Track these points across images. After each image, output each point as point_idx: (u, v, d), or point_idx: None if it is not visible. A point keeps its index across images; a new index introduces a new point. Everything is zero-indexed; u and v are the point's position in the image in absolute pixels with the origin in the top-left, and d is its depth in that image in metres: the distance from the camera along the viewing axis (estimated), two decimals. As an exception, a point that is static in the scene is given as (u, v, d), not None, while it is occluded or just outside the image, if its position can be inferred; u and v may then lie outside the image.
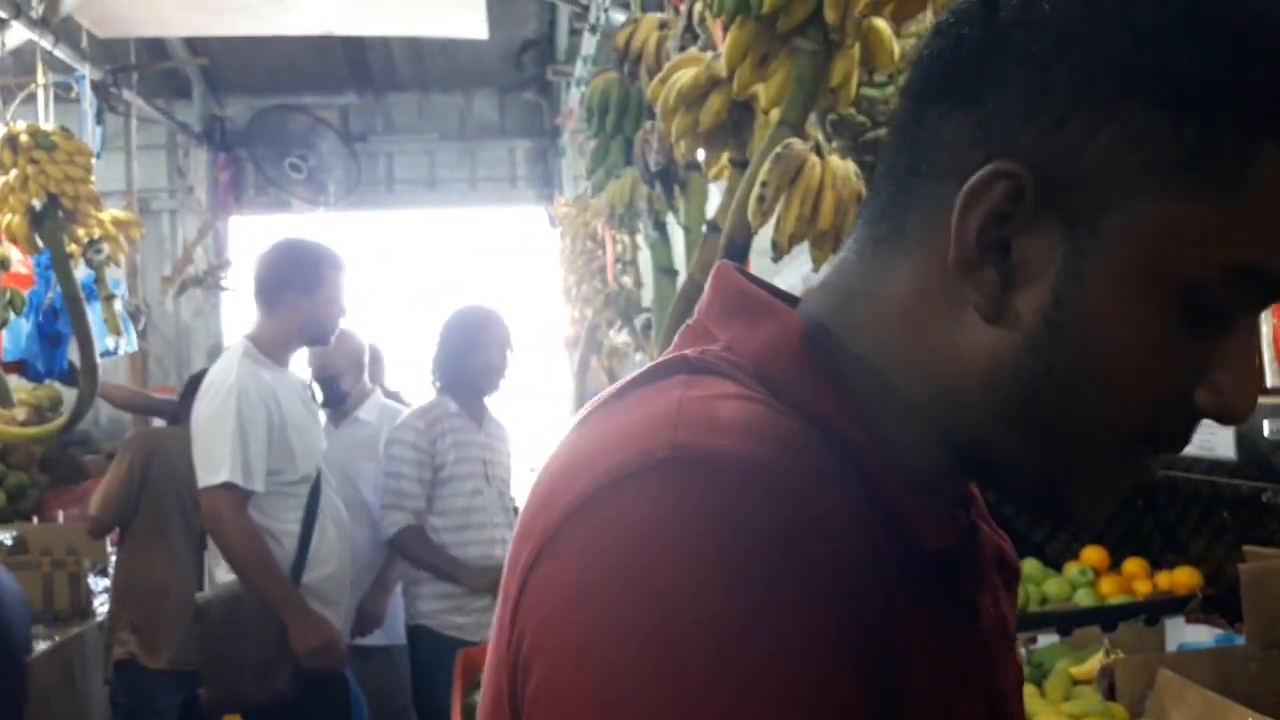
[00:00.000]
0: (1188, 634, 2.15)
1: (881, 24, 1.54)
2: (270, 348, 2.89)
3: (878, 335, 0.60)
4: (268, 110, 7.11)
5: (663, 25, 2.23)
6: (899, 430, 0.60)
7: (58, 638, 3.57)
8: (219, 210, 7.12)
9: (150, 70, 6.01)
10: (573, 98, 5.83)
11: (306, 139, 7.08)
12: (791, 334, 0.60)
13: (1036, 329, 0.56)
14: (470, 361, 3.35)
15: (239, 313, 7.18)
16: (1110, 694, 1.87)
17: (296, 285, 2.88)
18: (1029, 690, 1.88)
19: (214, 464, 2.71)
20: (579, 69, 5.23)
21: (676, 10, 2.15)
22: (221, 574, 2.80)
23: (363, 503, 3.38)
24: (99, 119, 4.82)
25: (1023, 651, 2.09)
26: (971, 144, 0.56)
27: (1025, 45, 0.55)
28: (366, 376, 3.85)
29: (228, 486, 2.69)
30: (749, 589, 0.49)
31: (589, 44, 4.63)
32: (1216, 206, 0.53)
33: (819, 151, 1.55)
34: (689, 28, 1.94)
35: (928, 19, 1.67)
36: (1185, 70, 0.53)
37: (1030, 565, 2.36)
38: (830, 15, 1.47)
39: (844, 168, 1.57)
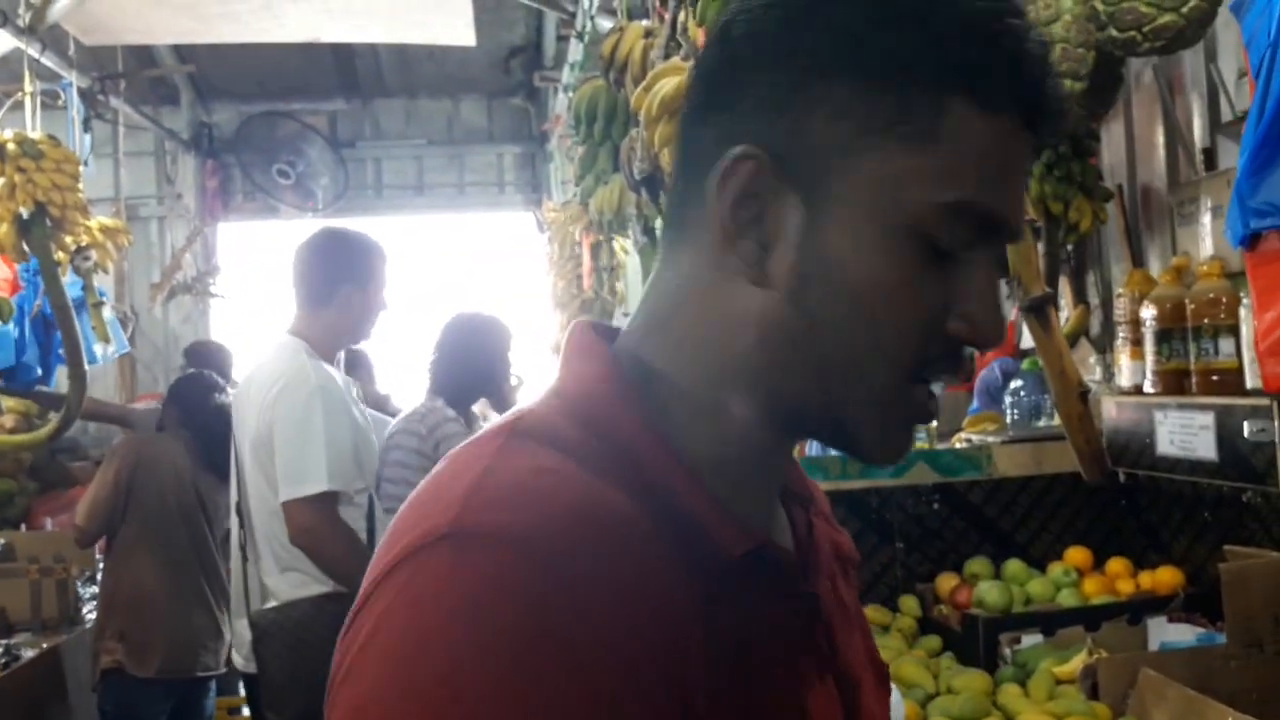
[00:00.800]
0: (1170, 633, 2.16)
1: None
2: (322, 347, 2.69)
3: (678, 330, 0.69)
4: (256, 117, 7.11)
5: (648, 33, 2.24)
6: (705, 432, 0.67)
7: (45, 645, 3.56)
8: (207, 216, 7.11)
9: (138, 77, 5.99)
10: (560, 103, 5.84)
11: (294, 145, 7.08)
12: (602, 371, 0.68)
13: (793, 284, 0.65)
14: (471, 367, 3.23)
15: (228, 318, 7.18)
16: (1093, 693, 1.88)
17: (351, 279, 2.70)
18: (1013, 690, 1.90)
19: (304, 473, 2.51)
20: (566, 75, 5.24)
21: (661, 19, 2.17)
22: (276, 584, 2.60)
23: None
24: (86, 126, 4.82)
25: (1007, 651, 2.11)
26: (722, 142, 0.66)
27: (751, 55, 0.66)
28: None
29: (323, 496, 2.49)
30: (502, 665, 0.53)
31: (576, 50, 4.65)
32: (921, 156, 0.63)
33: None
34: (673, 36, 1.96)
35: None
36: (874, 50, 0.64)
37: (1014, 566, 2.37)
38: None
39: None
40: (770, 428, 0.68)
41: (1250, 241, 1.54)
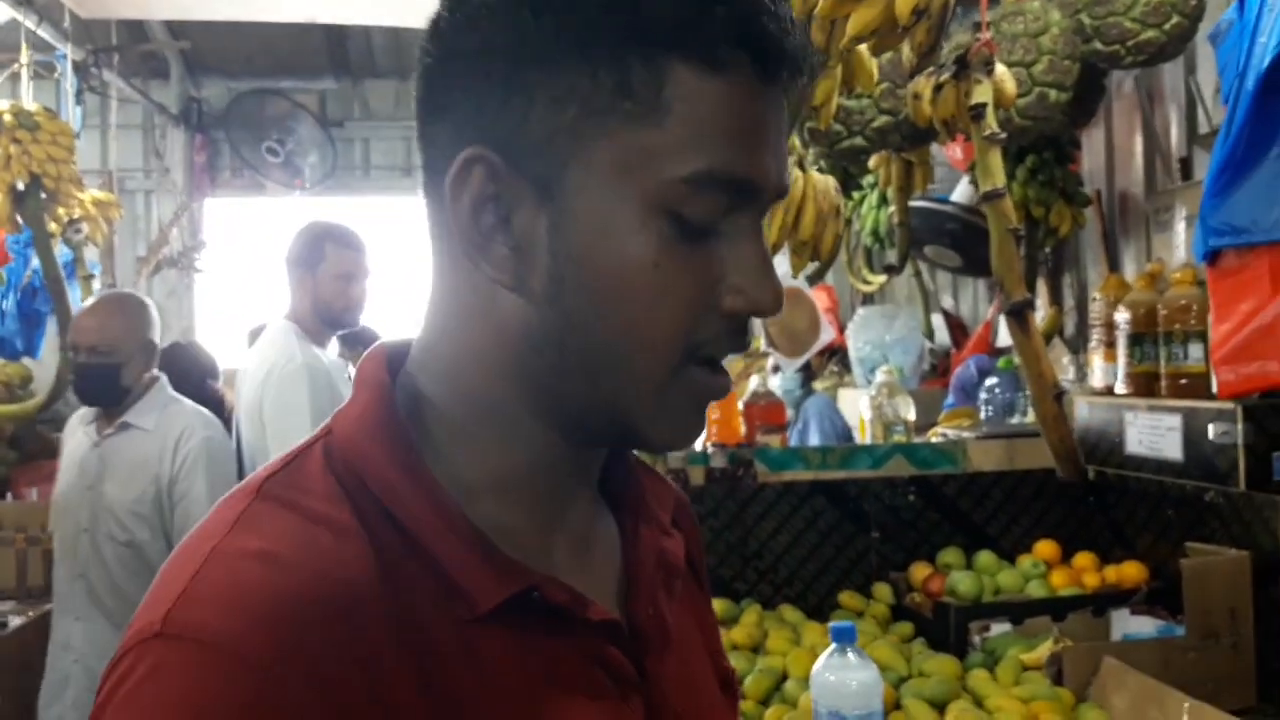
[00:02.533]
0: (1132, 625, 2.25)
1: (863, 48, 1.63)
2: (313, 330, 2.89)
3: (448, 341, 0.66)
4: (246, 94, 7.10)
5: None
6: (479, 461, 0.65)
7: (31, 614, 3.60)
8: (194, 192, 7.11)
9: (131, 51, 5.99)
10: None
11: (284, 123, 7.08)
12: (370, 406, 0.65)
13: (548, 287, 0.62)
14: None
15: (213, 294, 7.19)
16: (1058, 679, 1.96)
17: (300, 262, 2.90)
18: (982, 675, 1.98)
19: (291, 447, 2.64)
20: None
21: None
22: None
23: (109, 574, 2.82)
24: (79, 99, 4.83)
25: (977, 639, 2.19)
26: (452, 143, 0.63)
27: (464, 49, 0.62)
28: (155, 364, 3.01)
29: None
30: None
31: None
32: (651, 129, 0.60)
33: (801, 165, 1.63)
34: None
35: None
36: (581, 25, 0.60)
37: (985, 557, 2.45)
38: (817, 38, 1.55)
39: (824, 181, 1.66)
40: (554, 440, 0.66)
41: (1211, 257, 1.62)
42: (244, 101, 7.08)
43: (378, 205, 7.61)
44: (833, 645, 1.36)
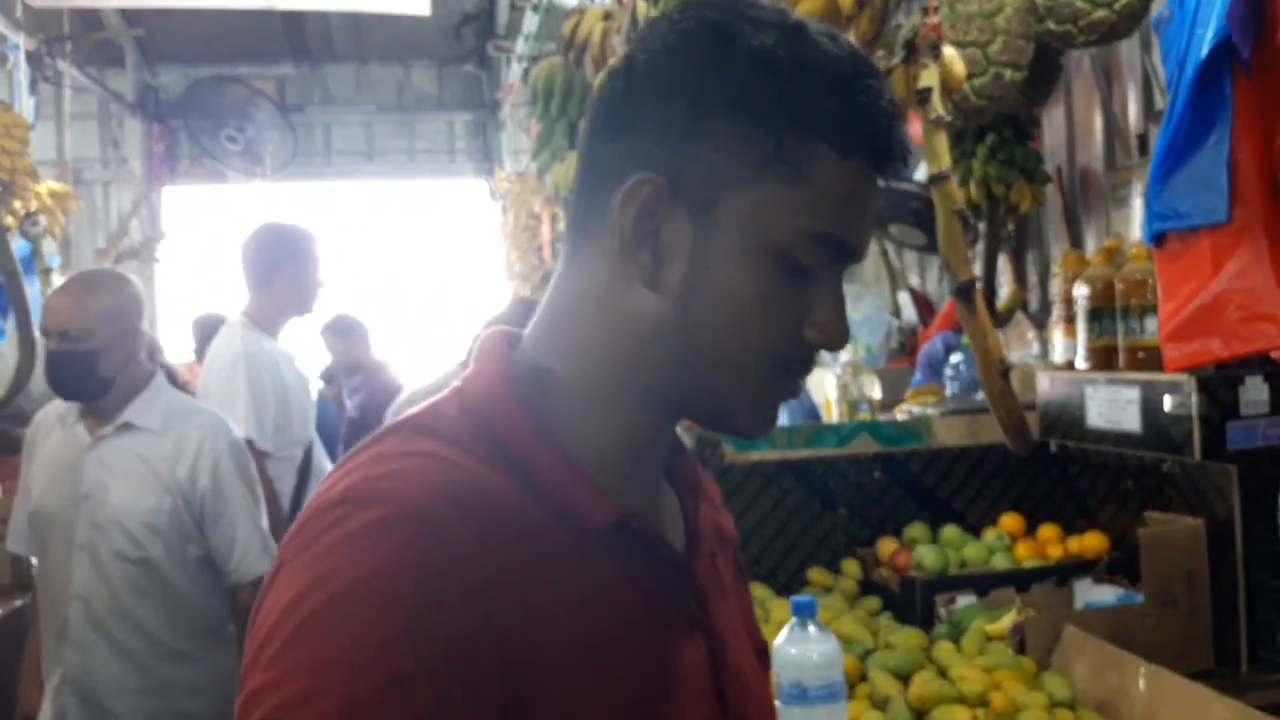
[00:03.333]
0: (1094, 594, 2.29)
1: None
2: (264, 322, 3.15)
3: (578, 330, 0.80)
4: (203, 81, 7.03)
5: (607, 16, 2.30)
6: (592, 427, 0.79)
7: (1, 610, 3.56)
8: (153, 181, 7.03)
9: (84, 40, 5.90)
10: (513, 73, 5.85)
11: (243, 110, 7.01)
12: (496, 370, 0.80)
13: (682, 291, 0.77)
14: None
15: (174, 285, 7.11)
16: (1020, 649, 2.00)
17: (290, 261, 3.17)
18: (947, 646, 2.01)
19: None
20: (520, 45, 5.26)
21: (620, 2, 2.23)
22: None
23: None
24: (32, 89, 4.76)
25: (942, 611, 2.23)
26: (624, 163, 0.78)
27: (652, 91, 0.78)
28: (145, 353, 2.53)
29: (248, 443, 2.75)
30: (358, 607, 0.65)
31: (531, 22, 4.67)
32: (790, 191, 0.76)
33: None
34: (634, 23, 2.02)
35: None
36: (755, 98, 0.76)
37: (950, 531, 2.49)
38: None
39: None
40: (655, 417, 0.80)
41: (1158, 240, 1.66)
42: (202, 89, 7.00)
43: (340, 190, 7.56)
44: (793, 619, 1.38)
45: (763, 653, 0.96)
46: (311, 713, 0.62)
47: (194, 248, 7.15)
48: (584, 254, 0.81)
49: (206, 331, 4.46)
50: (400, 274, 7.48)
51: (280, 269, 3.17)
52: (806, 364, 0.81)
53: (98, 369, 2.40)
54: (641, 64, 0.79)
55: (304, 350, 4.67)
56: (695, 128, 0.76)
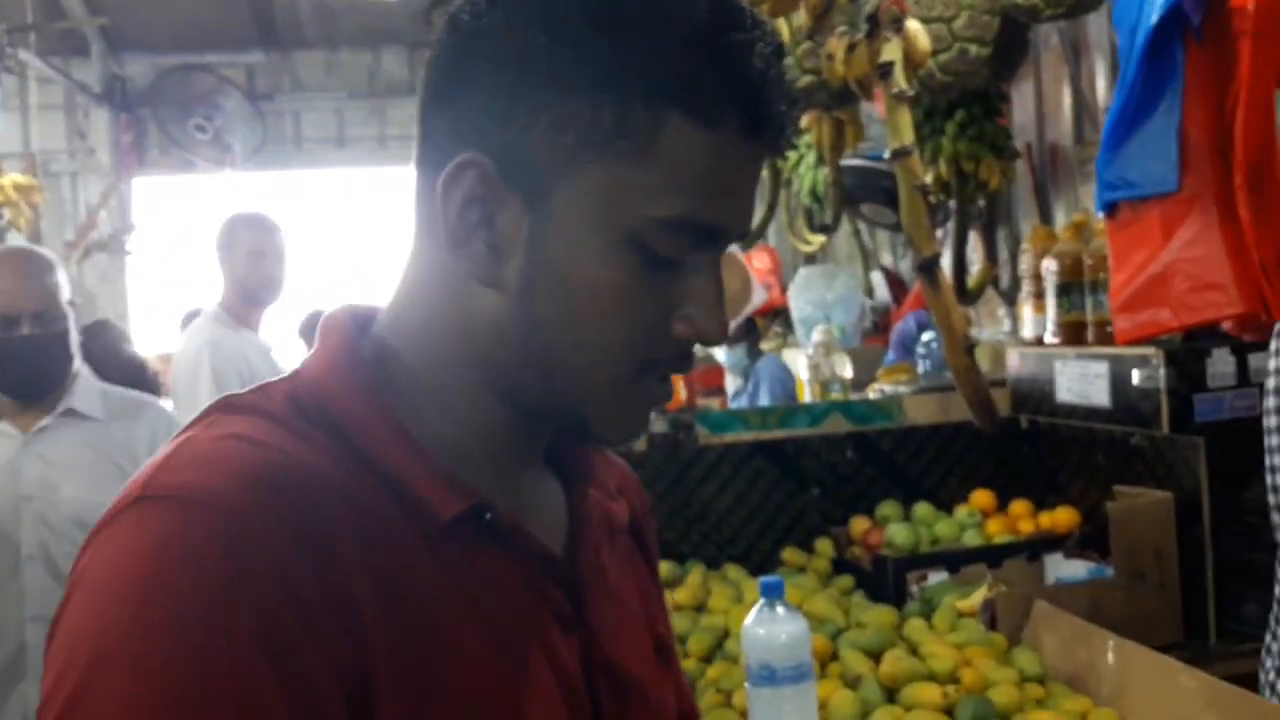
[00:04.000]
0: (1065, 568, 2.31)
1: (762, 10, 1.63)
2: (237, 312, 3.11)
3: (420, 318, 0.71)
4: (170, 70, 6.95)
5: None
6: (437, 413, 0.70)
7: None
8: (122, 172, 6.95)
9: (47, 29, 5.82)
10: (484, 57, 5.81)
11: (211, 98, 6.94)
12: (337, 347, 0.70)
13: (520, 288, 0.67)
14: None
15: (146, 277, 7.05)
16: (992, 624, 2.00)
17: (219, 249, 3.14)
18: (918, 624, 2.01)
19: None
20: (489, 29, 5.21)
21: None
22: None
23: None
24: (-6, 79, 4.69)
25: (914, 589, 2.23)
26: (451, 139, 0.67)
27: (478, 53, 0.66)
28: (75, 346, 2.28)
29: None
30: (154, 619, 0.57)
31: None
32: (639, 171, 0.65)
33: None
34: None
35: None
36: (594, 60, 0.64)
37: (922, 509, 2.50)
38: None
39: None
40: (511, 415, 0.71)
41: (1110, 210, 1.66)
42: (169, 78, 6.92)
43: (311, 179, 7.51)
44: (761, 600, 1.38)
45: (663, 649, 0.86)
46: None
47: (165, 239, 7.09)
48: (421, 239, 0.72)
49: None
50: (372, 261, 7.44)
51: (219, 254, 3.14)
52: (679, 363, 0.71)
53: (69, 351, 2.19)
54: (465, 20, 0.67)
55: (287, 343, 4.65)
56: (523, 98, 0.65)
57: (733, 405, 3.66)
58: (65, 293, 2.20)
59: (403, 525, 0.65)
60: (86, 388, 2.26)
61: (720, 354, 3.85)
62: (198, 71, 6.95)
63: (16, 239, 4.43)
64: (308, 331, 5.13)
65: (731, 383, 3.95)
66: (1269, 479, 1.68)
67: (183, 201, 7.21)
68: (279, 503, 0.60)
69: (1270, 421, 1.69)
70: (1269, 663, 1.78)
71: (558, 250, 0.67)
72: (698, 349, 2.60)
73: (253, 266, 3.11)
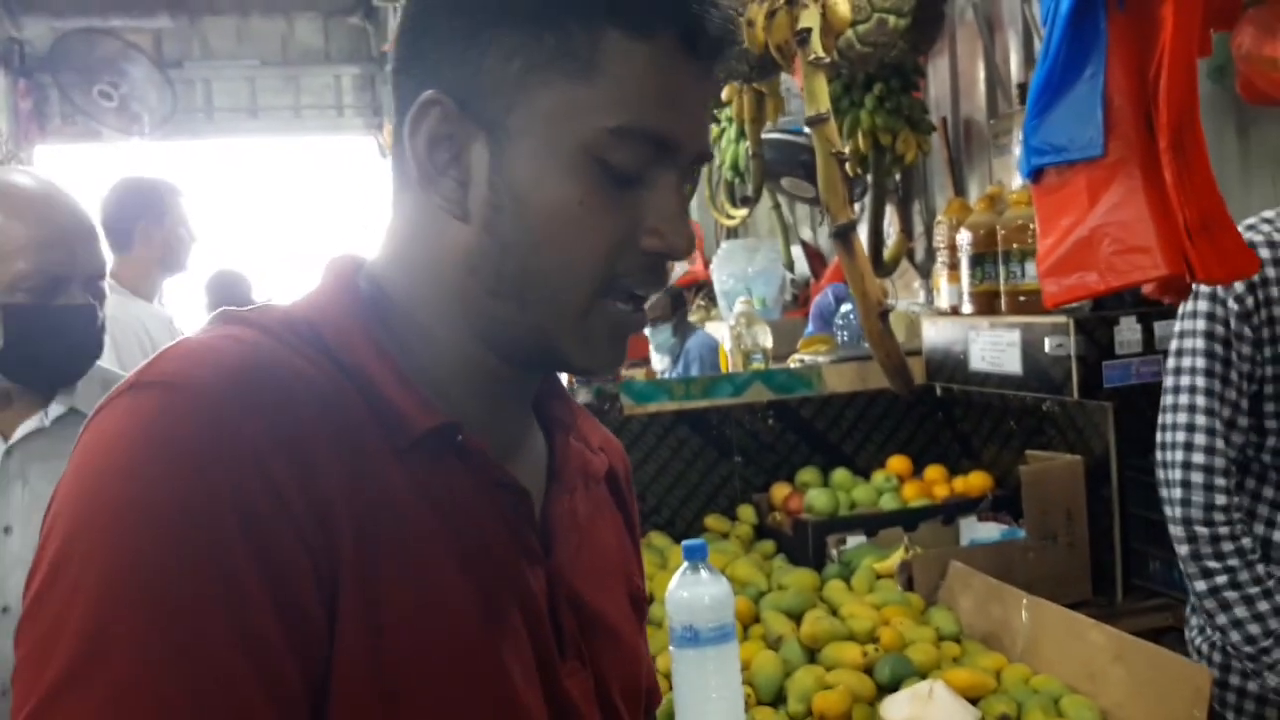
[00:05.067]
0: (979, 530, 2.37)
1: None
2: (131, 282, 2.98)
3: (402, 258, 0.75)
4: (72, 33, 6.69)
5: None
6: (425, 350, 0.73)
7: None
8: (22, 140, 6.69)
9: (-62, -13, 5.57)
10: (401, 26, 5.71)
11: (116, 65, 6.71)
12: (334, 282, 0.74)
13: (487, 216, 0.71)
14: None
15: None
16: (909, 585, 2.06)
17: (145, 216, 3.00)
18: (838, 585, 2.06)
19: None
20: (407, -3, 5.12)
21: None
22: None
23: None
24: (-118, 40, 4.47)
25: (834, 552, 2.28)
26: (418, 86, 0.72)
27: (435, 7, 0.72)
28: None
29: None
30: (136, 499, 0.59)
31: (417, -29, 4.55)
32: (584, 87, 0.69)
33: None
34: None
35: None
36: None
37: (841, 474, 2.54)
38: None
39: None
40: (491, 354, 0.74)
41: (1036, 176, 1.69)
42: (70, 41, 6.67)
43: (223, 148, 7.32)
44: (685, 563, 1.39)
45: (638, 599, 0.89)
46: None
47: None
48: (400, 188, 0.76)
49: None
50: (287, 232, 7.29)
51: (137, 225, 3.02)
52: (643, 278, 0.73)
53: (101, 333, 1.65)
54: None
55: (185, 311, 4.53)
56: (475, 35, 0.71)
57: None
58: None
59: (378, 435, 0.67)
60: (90, 380, 1.67)
61: (647, 333, 3.86)
62: (101, 35, 6.71)
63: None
64: (215, 289, 5.02)
65: (659, 362, 3.95)
66: (1159, 435, 1.75)
67: (90, 171, 6.98)
68: (260, 395, 0.63)
69: (1167, 381, 1.76)
70: (1194, 620, 1.85)
71: (518, 174, 0.70)
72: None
73: (183, 234, 3.07)
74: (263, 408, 0.63)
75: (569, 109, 0.70)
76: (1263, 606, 1.64)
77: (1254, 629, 1.64)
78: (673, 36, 0.70)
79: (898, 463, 2.58)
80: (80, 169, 7.04)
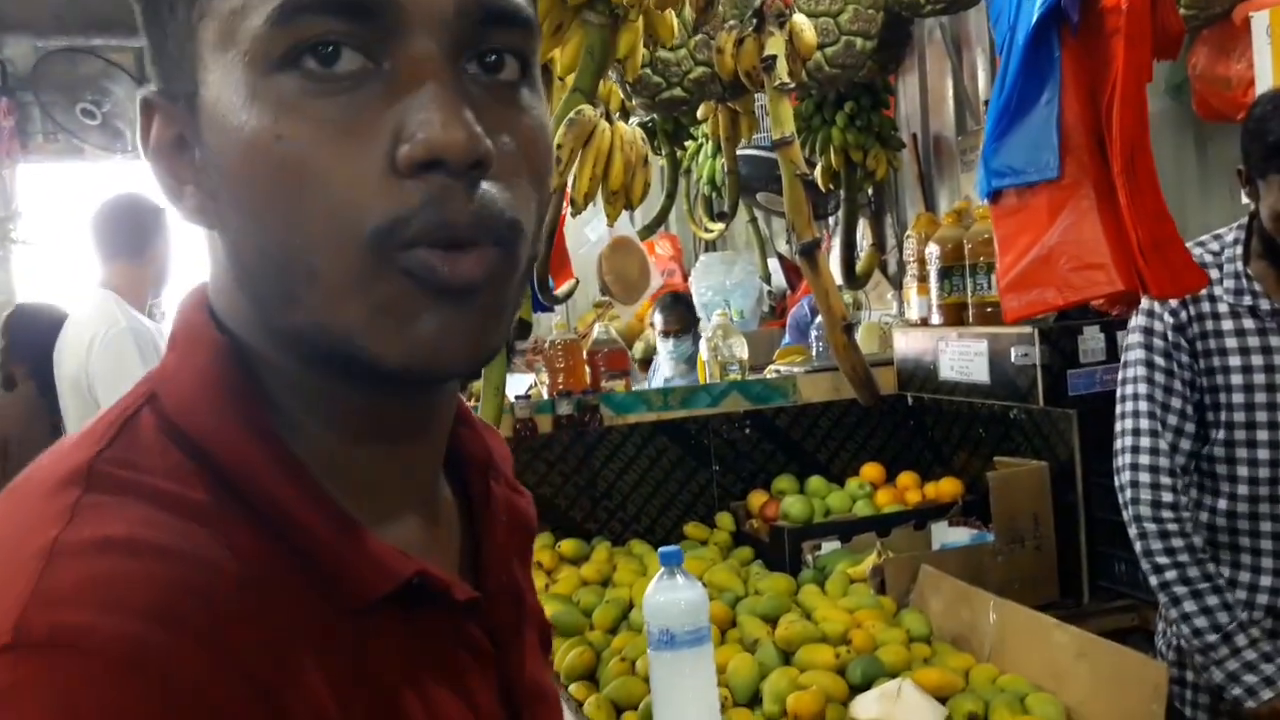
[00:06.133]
0: (950, 535, 2.43)
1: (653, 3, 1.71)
2: (131, 296, 2.97)
3: (219, 305, 0.58)
4: (54, 53, 6.73)
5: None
6: (310, 418, 0.56)
7: None
8: (4, 158, 6.72)
9: (-79, 9, 5.60)
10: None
11: (98, 83, 6.74)
12: (206, 367, 0.56)
13: (210, 207, 0.54)
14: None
15: (34, 266, 6.83)
16: (881, 589, 2.12)
17: (159, 232, 3.03)
18: (812, 590, 2.12)
19: None
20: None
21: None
22: None
23: None
24: None
25: (809, 557, 2.34)
26: (149, 71, 0.57)
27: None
28: None
29: None
30: None
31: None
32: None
33: (608, 117, 1.70)
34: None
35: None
36: None
37: (816, 482, 2.61)
38: (611, -6, 1.62)
39: (631, 132, 1.74)
40: (335, 383, 0.55)
41: (994, 197, 1.77)
42: (52, 61, 6.70)
43: (207, 167, 7.33)
44: (661, 569, 1.45)
45: (546, 640, 0.76)
46: None
47: (57, 227, 6.88)
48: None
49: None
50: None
51: (152, 241, 3.02)
52: (434, 212, 0.50)
53: None
54: None
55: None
56: (154, 16, 0.54)
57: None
58: None
59: (324, 599, 0.53)
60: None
61: (664, 348, 3.92)
62: (83, 55, 6.75)
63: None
64: None
65: (672, 369, 3.98)
66: (1117, 441, 1.84)
67: (75, 188, 7.00)
68: (201, 639, 0.47)
69: (1117, 391, 1.86)
70: (1159, 623, 1.93)
71: (212, 137, 0.52)
72: (602, 334, 2.66)
73: (174, 252, 3.09)
74: (189, 663, 0.46)
75: (228, 24, 0.51)
76: (1211, 601, 1.71)
77: (1201, 623, 1.72)
78: None
79: (871, 470, 2.65)
80: (63, 187, 7.07)
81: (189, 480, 0.52)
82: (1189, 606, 1.73)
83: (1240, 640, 1.69)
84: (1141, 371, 1.80)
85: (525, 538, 0.69)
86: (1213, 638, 1.71)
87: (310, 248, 0.50)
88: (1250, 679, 1.68)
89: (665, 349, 3.91)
